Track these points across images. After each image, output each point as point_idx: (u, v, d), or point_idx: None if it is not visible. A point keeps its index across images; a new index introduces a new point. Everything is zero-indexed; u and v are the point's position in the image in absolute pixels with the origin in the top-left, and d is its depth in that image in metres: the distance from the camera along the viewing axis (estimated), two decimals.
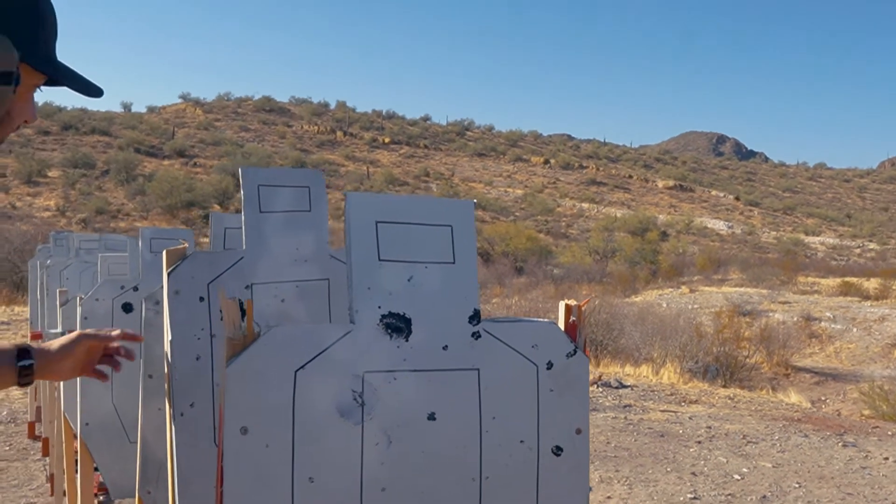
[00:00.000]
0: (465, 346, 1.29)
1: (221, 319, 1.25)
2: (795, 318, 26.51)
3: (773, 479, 6.40)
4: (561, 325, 1.35)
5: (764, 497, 5.91)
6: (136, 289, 2.97)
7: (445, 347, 1.28)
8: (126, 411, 2.91)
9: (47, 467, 6.24)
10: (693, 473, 6.47)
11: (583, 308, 1.34)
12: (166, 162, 52.23)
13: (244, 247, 1.87)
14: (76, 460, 4.71)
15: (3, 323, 14.14)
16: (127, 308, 3.02)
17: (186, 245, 1.91)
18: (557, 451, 1.35)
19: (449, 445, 1.28)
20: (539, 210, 60.89)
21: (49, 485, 5.75)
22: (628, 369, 12.84)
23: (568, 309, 1.37)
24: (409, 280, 1.28)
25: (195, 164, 52.80)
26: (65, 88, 1.23)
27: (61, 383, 4.36)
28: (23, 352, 1.43)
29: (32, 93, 1.19)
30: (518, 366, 1.32)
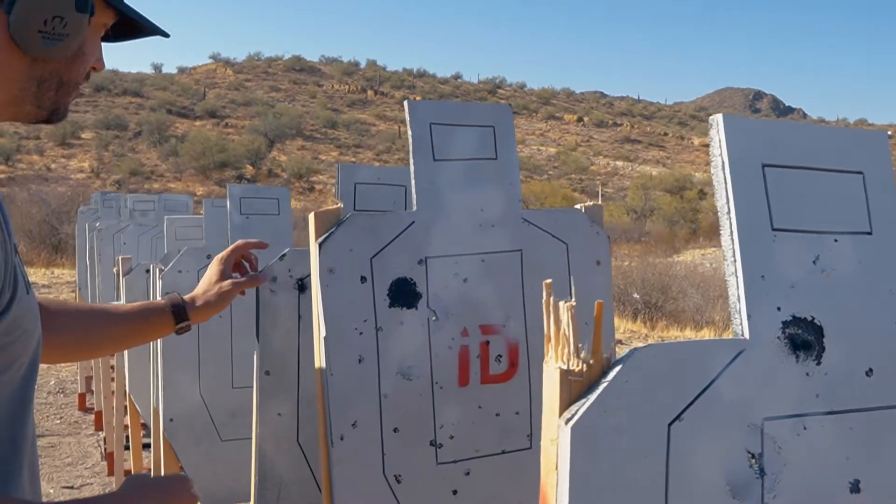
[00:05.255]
0: None
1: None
2: None
3: None
4: None
5: None
6: None
7: (869, 372, 0.76)
8: (217, 404, 2.45)
9: (100, 442, 5.89)
10: None
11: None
12: (198, 123, 51.93)
13: (414, 207, 1.36)
14: (144, 444, 4.32)
15: (43, 286, 13.89)
16: None
17: (341, 205, 1.41)
18: None
19: None
20: (573, 168, 59.91)
21: (105, 463, 5.39)
22: (689, 333, 12.28)
23: None
24: (814, 262, 0.76)
25: (227, 124, 52.45)
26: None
27: (125, 361, 3.92)
28: (178, 313, 1.46)
29: (101, 33, 1.12)
30: None
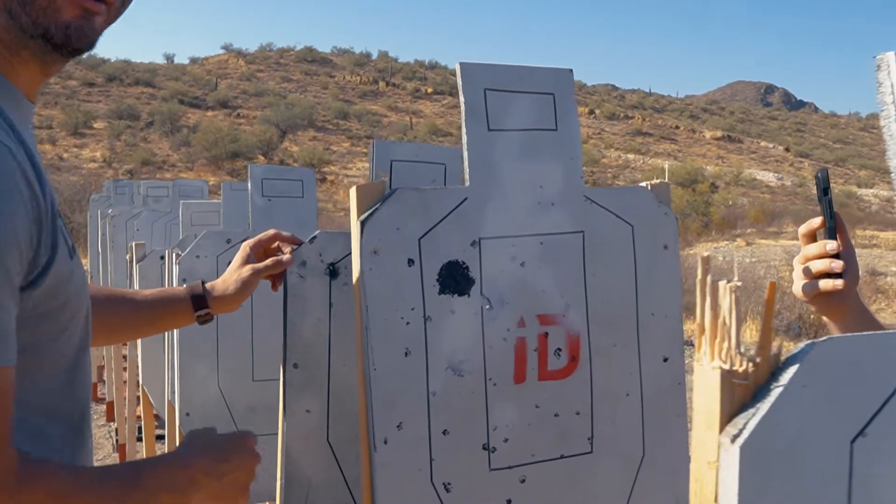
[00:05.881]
0: None
1: None
2: (860, 273, 25.46)
3: None
4: None
5: None
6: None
7: None
8: (236, 398, 2.30)
9: (112, 433, 5.78)
10: None
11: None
12: (210, 113, 51.86)
13: (466, 181, 1.21)
14: (157, 435, 4.19)
15: None
16: None
17: (385, 179, 1.26)
18: None
19: None
20: (585, 161, 59.24)
21: (117, 455, 5.27)
22: None
23: None
24: None
25: (238, 115, 52.38)
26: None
27: (139, 351, 3.79)
28: (198, 301, 1.42)
29: None
30: None
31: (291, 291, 1.57)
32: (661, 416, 1.37)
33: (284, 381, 1.61)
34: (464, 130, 1.23)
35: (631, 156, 66.52)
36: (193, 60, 73.55)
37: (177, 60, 72.08)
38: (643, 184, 1.40)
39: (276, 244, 1.58)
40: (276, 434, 2.38)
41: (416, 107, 68.94)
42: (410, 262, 1.17)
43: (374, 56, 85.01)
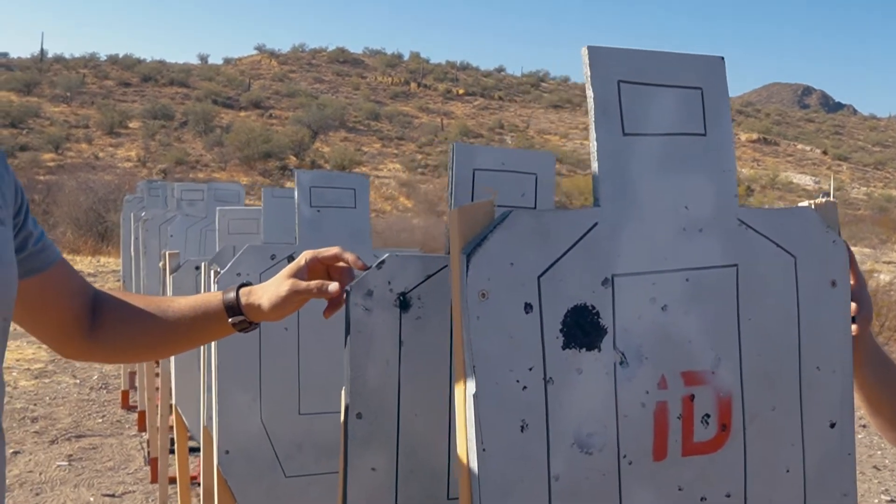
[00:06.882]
0: None
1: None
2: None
3: None
4: None
5: None
6: (291, 259, 2.08)
7: None
8: (280, 433, 2.04)
9: (143, 445, 5.57)
10: None
11: None
12: (242, 113, 52.03)
13: (598, 199, 0.93)
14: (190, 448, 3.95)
15: (89, 274, 13.75)
16: None
17: (495, 195, 0.99)
18: None
19: None
20: None
21: (149, 468, 5.06)
22: None
23: None
24: None
25: (271, 115, 52.50)
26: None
27: (172, 366, 3.56)
28: (232, 309, 1.27)
29: None
30: None
31: (355, 327, 1.30)
32: (825, 497, 1.08)
33: (346, 434, 1.35)
34: (592, 135, 0.95)
35: None
36: (227, 61, 74.04)
37: (210, 61, 72.61)
38: (805, 203, 1.11)
39: (339, 264, 1.34)
40: (325, 474, 2.12)
41: (447, 108, 68.72)
42: (528, 307, 0.89)
43: (406, 57, 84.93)
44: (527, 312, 0.90)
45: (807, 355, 1.07)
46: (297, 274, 1.28)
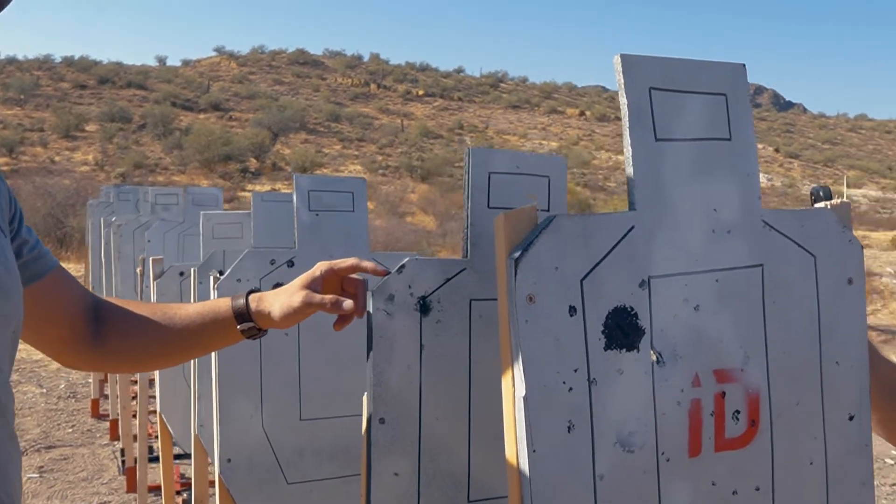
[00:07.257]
0: None
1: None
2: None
3: None
4: None
5: None
6: (291, 264, 2.08)
7: None
8: (282, 440, 2.04)
9: (117, 454, 5.49)
10: None
11: None
12: (202, 115, 51.44)
13: (634, 203, 0.96)
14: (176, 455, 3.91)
15: None
16: None
17: (536, 200, 1.01)
18: None
19: None
20: (575, 163, 59.47)
21: (124, 478, 4.99)
22: None
23: None
24: None
25: (231, 117, 51.98)
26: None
27: (156, 377, 3.52)
28: (241, 316, 1.26)
29: None
30: None
31: (377, 332, 1.31)
32: (845, 486, 1.12)
33: (369, 440, 1.35)
34: (627, 141, 0.98)
35: (622, 157, 66.25)
36: (185, 62, 73.12)
37: (169, 62, 71.67)
38: (821, 204, 1.15)
39: (356, 275, 1.33)
40: (326, 480, 2.12)
41: (407, 109, 68.69)
42: (572, 310, 0.92)
43: (366, 58, 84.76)
44: (571, 315, 0.92)
45: (827, 351, 1.11)
46: (312, 285, 1.26)
